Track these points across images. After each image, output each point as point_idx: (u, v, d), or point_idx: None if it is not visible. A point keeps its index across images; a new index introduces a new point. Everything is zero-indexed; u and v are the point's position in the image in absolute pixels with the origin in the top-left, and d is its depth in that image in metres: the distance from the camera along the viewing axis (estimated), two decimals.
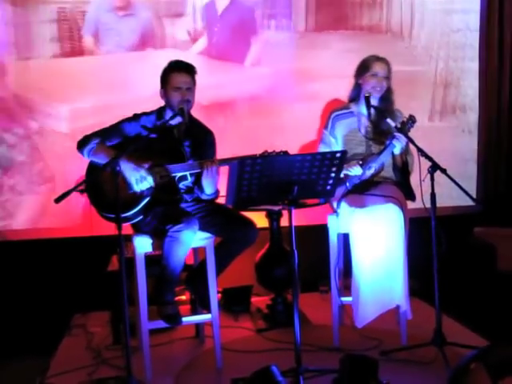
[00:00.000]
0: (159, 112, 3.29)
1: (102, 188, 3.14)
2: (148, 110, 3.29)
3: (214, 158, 3.20)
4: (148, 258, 3.09)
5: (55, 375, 3.13)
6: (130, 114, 3.26)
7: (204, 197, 3.25)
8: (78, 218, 3.99)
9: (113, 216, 2.98)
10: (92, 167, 3.20)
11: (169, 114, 3.23)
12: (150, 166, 3.09)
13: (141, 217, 3.12)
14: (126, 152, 2.92)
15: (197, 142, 3.31)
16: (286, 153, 3.05)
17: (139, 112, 3.28)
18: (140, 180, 3.05)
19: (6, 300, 3.93)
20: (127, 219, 3.11)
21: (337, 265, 3.26)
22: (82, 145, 3.18)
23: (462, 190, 2.98)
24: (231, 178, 2.64)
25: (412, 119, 3.23)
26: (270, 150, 3.09)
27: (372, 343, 3.30)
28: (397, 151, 3.26)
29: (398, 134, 3.20)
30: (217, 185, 3.20)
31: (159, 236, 3.06)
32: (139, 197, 3.08)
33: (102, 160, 3.06)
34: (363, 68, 3.40)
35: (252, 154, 3.02)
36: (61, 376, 3.11)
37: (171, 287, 3.11)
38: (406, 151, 3.32)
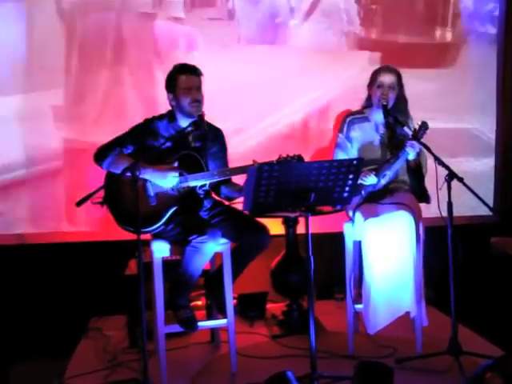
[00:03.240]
0: (170, 116, 3.28)
1: (121, 199, 3.12)
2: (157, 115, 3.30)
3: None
4: (165, 263, 3.10)
5: (72, 377, 3.15)
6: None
7: (230, 195, 3.30)
8: (96, 222, 4.02)
9: (133, 229, 3.00)
10: (110, 176, 3.19)
11: (180, 117, 3.24)
12: (173, 168, 3.12)
13: (162, 227, 3.12)
14: (148, 156, 2.94)
15: (210, 144, 3.32)
16: (299, 157, 3.07)
17: (149, 117, 3.29)
18: (169, 181, 3.07)
19: (25, 302, 3.97)
20: (148, 232, 3.12)
21: (352, 272, 3.27)
22: (100, 157, 3.16)
23: (479, 199, 2.97)
24: (248, 184, 2.65)
25: (425, 126, 3.19)
26: (284, 155, 3.08)
27: (387, 351, 3.29)
28: (411, 157, 3.26)
29: (411, 142, 3.19)
30: None
31: (179, 243, 3.07)
32: (162, 210, 3.08)
33: (121, 170, 2.96)
34: (372, 79, 3.43)
35: (269, 161, 3.03)
36: (77, 378, 3.14)
37: (186, 292, 3.13)
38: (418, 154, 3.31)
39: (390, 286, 3.09)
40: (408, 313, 3.15)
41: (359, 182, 3.24)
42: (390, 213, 3.14)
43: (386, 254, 3.09)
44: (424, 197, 3.36)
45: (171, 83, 3.24)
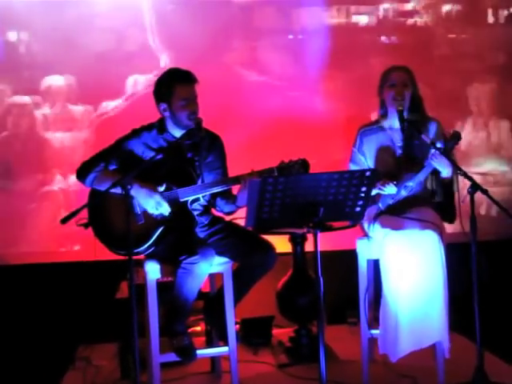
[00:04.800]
0: (160, 126, 3.29)
1: (107, 219, 3.16)
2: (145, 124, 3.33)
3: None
4: (160, 285, 3.13)
5: None
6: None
7: (226, 210, 3.32)
8: (82, 240, 4.02)
9: (124, 252, 3.03)
10: (94, 194, 3.22)
11: (173, 127, 3.25)
12: (165, 188, 3.15)
13: (153, 248, 3.16)
14: (135, 172, 2.94)
15: (206, 154, 3.32)
16: (304, 161, 3.09)
17: (137, 127, 3.32)
18: (156, 206, 3.10)
19: (4, 329, 3.98)
20: (139, 253, 3.15)
21: (366, 294, 3.28)
22: (82, 173, 3.20)
23: (506, 212, 2.98)
24: (251, 198, 2.64)
25: (456, 137, 3.19)
26: (286, 160, 3.11)
27: (405, 381, 3.31)
28: (444, 173, 3.26)
29: (436, 154, 3.18)
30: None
31: (169, 263, 3.10)
32: (150, 228, 3.11)
33: (106, 187, 2.99)
34: (382, 80, 3.46)
35: (269, 167, 3.08)
36: None
37: (183, 318, 3.15)
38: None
39: (416, 312, 3.09)
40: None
41: (377, 191, 3.28)
42: (414, 229, 3.15)
43: (411, 276, 3.09)
44: (449, 215, 3.37)
45: (165, 92, 3.21)
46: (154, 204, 3.10)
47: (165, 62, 4.40)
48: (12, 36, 4.40)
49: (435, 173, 3.32)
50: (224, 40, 4.49)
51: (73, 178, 4.04)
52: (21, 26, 4.36)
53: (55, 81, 4.38)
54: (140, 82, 4.44)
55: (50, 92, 4.37)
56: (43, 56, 4.33)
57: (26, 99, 4.31)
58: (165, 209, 3.11)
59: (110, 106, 4.42)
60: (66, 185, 4.32)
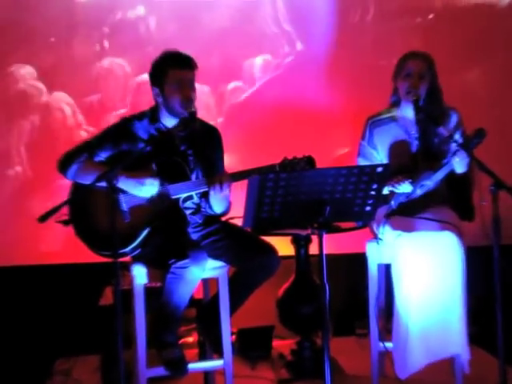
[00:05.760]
0: (152, 115, 3.30)
1: (90, 216, 3.16)
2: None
3: (223, 173, 3.20)
4: (148, 290, 3.13)
5: None
6: None
7: (212, 213, 3.29)
8: (62, 240, 4.07)
9: (108, 253, 3.03)
10: (77, 188, 3.22)
11: (166, 116, 3.26)
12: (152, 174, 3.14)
13: (139, 250, 3.16)
14: (121, 164, 2.93)
15: (202, 147, 3.32)
16: (309, 158, 3.08)
17: (127, 115, 3.32)
18: (148, 190, 3.10)
19: None
20: (124, 255, 3.14)
21: (377, 302, 3.29)
22: (64, 165, 3.19)
23: None
24: (250, 196, 2.64)
25: (481, 134, 3.12)
26: (289, 157, 3.09)
27: None
28: (459, 170, 3.25)
29: (459, 151, 3.15)
30: (228, 200, 3.24)
31: (159, 268, 3.10)
32: (137, 227, 3.11)
33: (91, 180, 2.97)
34: (397, 68, 3.45)
35: (270, 164, 3.06)
36: None
37: (173, 327, 3.14)
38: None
39: (432, 321, 3.09)
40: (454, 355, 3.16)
41: (390, 189, 3.28)
42: (430, 231, 3.16)
43: (426, 282, 3.09)
44: (468, 214, 3.37)
45: (158, 75, 3.23)
46: (149, 188, 3.10)
47: (293, 44, 4.53)
48: (134, 13, 4.51)
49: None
50: None
51: None
52: (143, 2, 4.49)
53: None
54: (267, 66, 4.56)
55: None
56: (165, 33, 4.47)
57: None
58: (154, 189, 3.11)
59: (232, 88, 4.57)
60: None
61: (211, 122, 3.52)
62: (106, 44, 4.49)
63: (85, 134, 4.33)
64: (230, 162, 3.76)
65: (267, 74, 4.57)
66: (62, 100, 4.47)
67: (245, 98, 4.55)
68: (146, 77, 3.38)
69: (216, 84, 4.54)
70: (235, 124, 4.45)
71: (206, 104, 4.46)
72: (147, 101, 3.38)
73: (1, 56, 4.36)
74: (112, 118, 4.07)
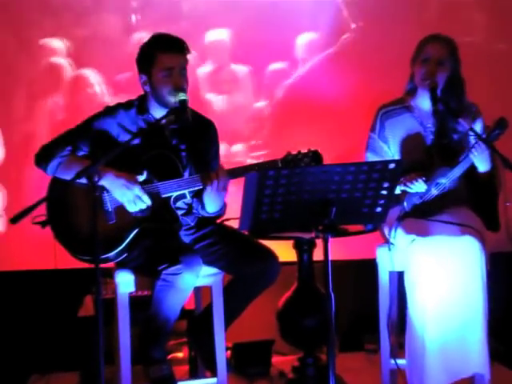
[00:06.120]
0: (140, 104, 3.27)
1: (70, 216, 3.12)
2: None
3: (219, 169, 3.14)
4: (134, 300, 3.11)
5: None
6: None
7: (204, 214, 3.26)
8: (38, 244, 3.97)
9: (89, 258, 3.01)
10: (56, 184, 3.18)
11: (154, 107, 3.22)
12: (145, 178, 3.10)
13: (125, 255, 3.12)
14: (104, 159, 2.84)
15: (195, 141, 3.29)
16: (315, 153, 3.04)
17: (113, 104, 3.31)
18: (134, 201, 3.04)
19: None
20: (107, 260, 3.10)
21: (389, 314, 3.25)
22: (43, 159, 3.16)
23: None
24: (247, 195, 2.58)
25: (503, 124, 3.11)
26: (294, 152, 3.06)
27: None
28: (480, 167, 3.21)
29: (479, 144, 3.12)
30: (223, 200, 3.20)
31: (147, 275, 3.06)
32: (123, 229, 3.07)
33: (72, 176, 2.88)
34: (416, 52, 3.42)
35: (271, 160, 3.04)
36: None
37: (162, 341, 3.11)
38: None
39: (450, 336, 3.05)
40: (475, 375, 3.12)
41: (402, 188, 3.25)
42: (448, 235, 3.11)
43: (444, 292, 3.05)
44: (493, 222, 3.32)
45: (145, 61, 3.18)
46: (132, 197, 3.04)
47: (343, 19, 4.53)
48: None
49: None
50: None
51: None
52: None
53: (218, 35, 4.49)
54: (314, 46, 4.55)
55: (211, 48, 4.50)
56: (204, 6, 4.44)
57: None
58: (145, 203, 3.05)
59: (275, 68, 4.53)
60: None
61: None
62: (137, 18, 4.48)
63: None
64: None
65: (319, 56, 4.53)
66: (91, 77, 4.46)
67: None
68: None
69: (258, 63, 4.52)
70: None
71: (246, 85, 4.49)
72: None
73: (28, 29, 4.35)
74: None
